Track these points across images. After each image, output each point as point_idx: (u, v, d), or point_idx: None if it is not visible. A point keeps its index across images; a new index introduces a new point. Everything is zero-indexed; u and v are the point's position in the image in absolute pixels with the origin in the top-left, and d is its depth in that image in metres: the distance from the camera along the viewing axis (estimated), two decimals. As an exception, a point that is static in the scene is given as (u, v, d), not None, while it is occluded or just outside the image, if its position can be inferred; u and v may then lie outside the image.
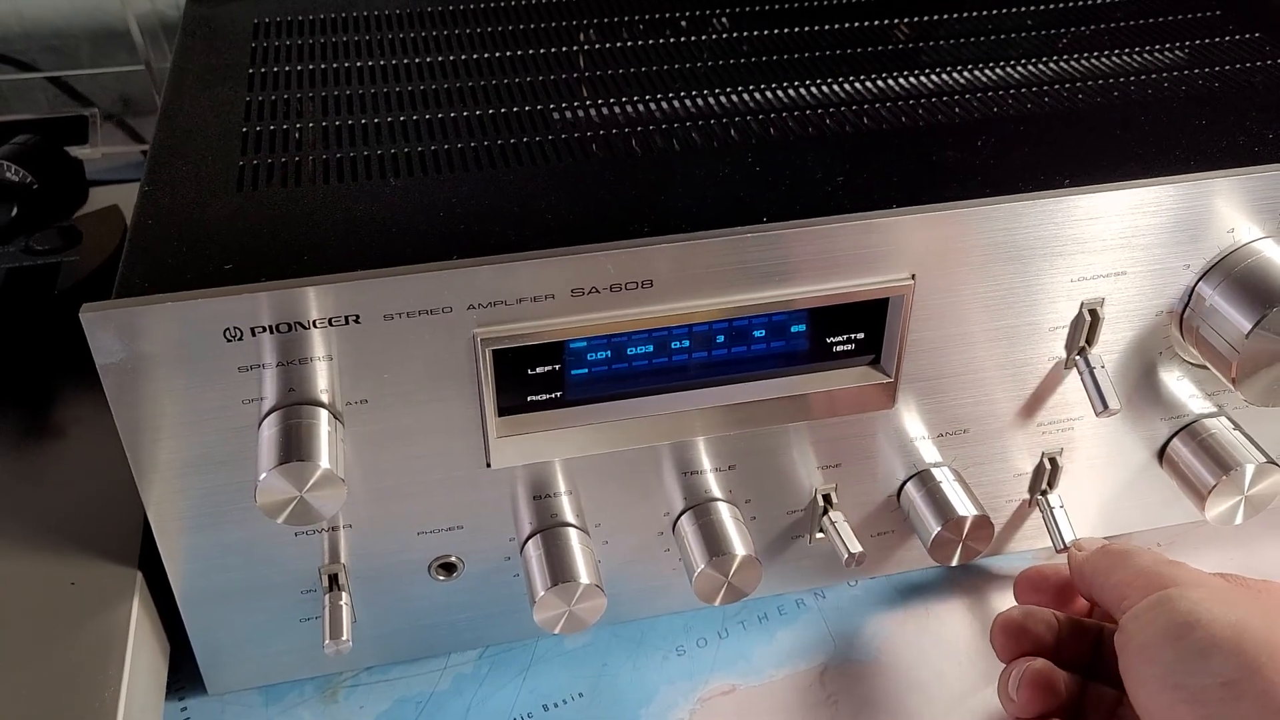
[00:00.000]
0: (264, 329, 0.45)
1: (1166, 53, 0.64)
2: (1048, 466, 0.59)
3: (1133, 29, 0.67)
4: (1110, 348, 0.55)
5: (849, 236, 0.48)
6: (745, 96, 0.60)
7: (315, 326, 0.45)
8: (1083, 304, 0.53)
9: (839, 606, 0.62)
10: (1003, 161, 0.53)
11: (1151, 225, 0.51)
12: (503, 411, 0.50)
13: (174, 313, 0.43)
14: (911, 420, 0.55)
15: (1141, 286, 0.53)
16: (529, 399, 0.50)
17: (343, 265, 0.45)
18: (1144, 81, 0.61)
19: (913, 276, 0.50)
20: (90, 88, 1.00)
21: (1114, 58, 0.64)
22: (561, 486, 0.53)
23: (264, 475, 0.44)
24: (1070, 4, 0.70)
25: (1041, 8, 0.70)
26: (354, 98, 0.60)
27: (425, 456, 0.50)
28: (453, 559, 0.54)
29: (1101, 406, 0.53)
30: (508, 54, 0.65)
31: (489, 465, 0.51)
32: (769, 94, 0.60)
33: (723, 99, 0.60)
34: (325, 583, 0.53)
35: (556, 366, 0.50)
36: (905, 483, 0.57)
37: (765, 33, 0.67)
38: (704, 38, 0.67)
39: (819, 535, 0.58)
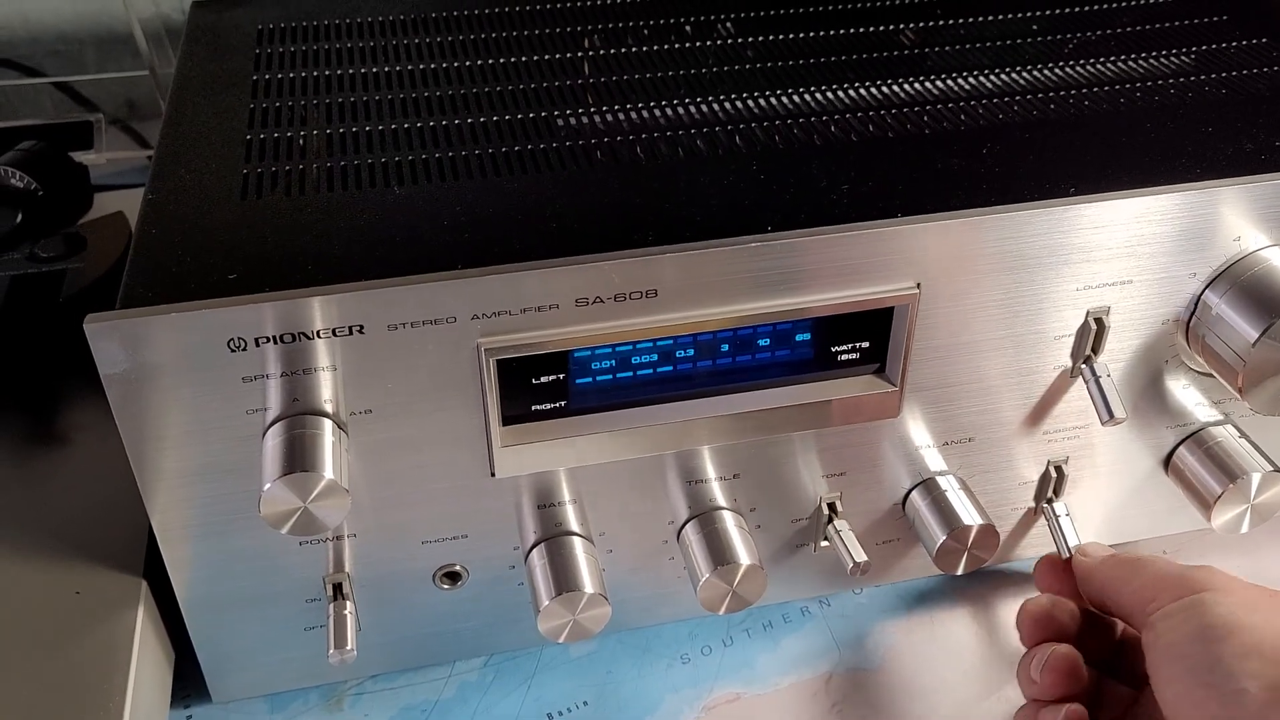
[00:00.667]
0: (268, 339, 0.45)
1: (1173, 59, 0.64)
2: (1053, 475, 0.59)
3: (1139, 35, 0.67)
4: (1116, 356, 0.55)
5: (854, 245, 0.48)
6: (750, 103, 0.60)
7: (319, 337, 0.45)
8: (1088, 312, 0.53)
9: (844, 614, 0.62)
10: (1008, 169, 0.53)
11: (1157, 234, 0.51)
12: (507, 421, 0.50)
13: (178, 323, 0.43)
14: (917, 429, 0.55)
15: (1147, 295, 0.53)
16: (533, 408, 0.50)
17: (347, 275, 0.45)
18: (1150, 88, 0.61)
19: (918, 285, 0.50)
20: (95, 92, 1.00)
21: (1120, 64, 0.63)
22: (566, 495, 0.53)
23: (268, 486, 0.44)
24: (1076, 10, 0.70)
25: (1047, 13, 0.70)
26: (358, 105, 0.60)
27: (429, 466, 0.50)
28: (457, 568, 0.54)
29: (1107, 415, 0.53)
30: (511, 60, 0.65)
31: (493, 474, 0.51)
32: (774, 100, 0.60)
33: (727, 105, 0.59)
34: (330, 592, 0.53)
35: (561, 376, 0.50)
36: (910, 491, 0.57)
37: (770, 39, 0.67)
38: (708, 44, 0.66)
39: (824, 544, 0.58)
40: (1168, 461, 0.60)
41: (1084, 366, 0.54)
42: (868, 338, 0.52)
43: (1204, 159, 0.54)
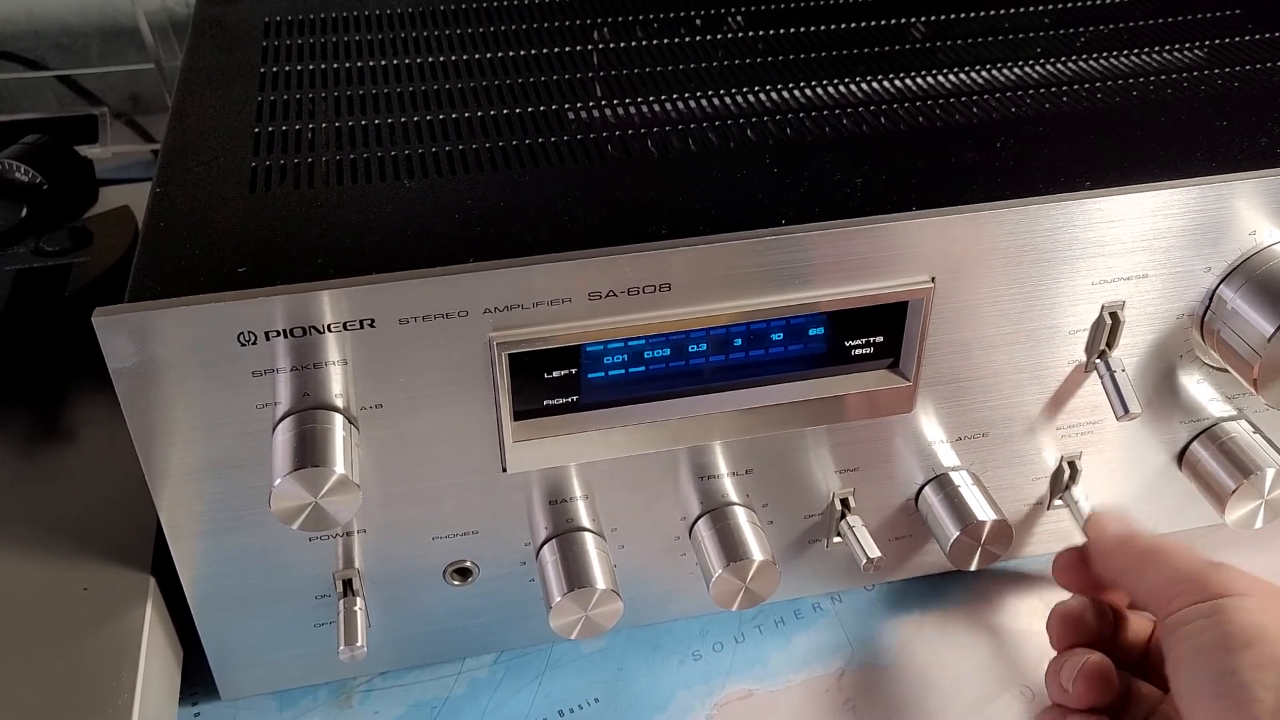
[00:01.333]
0: (278, 333, 0.44)
1: (1186, 52, 0.64)
2: (1067, 470, 0.58)
3: (1152, 28, 0.66)
4: (1130, 351, 0.54)
5: (868, 239, 0.48)
6: (761, 96, 0.59)
7: (330, 330, 0.45)
8: (1103, 307, 0.53)
9: (856, 611, 0.61)
10: (1022, 163, 0.53)
11: (1173, 228, 0.51)
12: (519, 416, 0.49)
13: (187, 317, 0.43)
14: (930, 424, 0.55)
15: (1162, 289, 0.53)
16: (545, 403, 0.50)
17: (357, 268, 0.45)
18: (1164, 82, 0.60)
19: (932, 279, 0.49)
20: (98, 86, 1.00)
21: (1133, 57, 0.63)
22: (577, 491, 0.53)
23: (279, 481, 0.44)
24: (1088, 3, 0.70)
25: (1059, 7, 0.69)
26: (366, 97, 0.59)
27: (440, 461, 0.50)
28: (468, 564, 0.54)
29: (1122, 410, 0.52)
30: (521, 53, 0.64)
31: (505, 470, 0.50)
32: (785, 94, 0.59)
33: (739, 99, 0.59)
34: (339, 588, 0.52)
35: (573, 370, 0.49)
36: (923, 487, 0.57)
37: (779, 32, 0.66)
38: (718, 37, 0.66)
39: (836, 539, 0.57)
40: (1181, 457, 0.60)
41: (1098, 361, 0.54)
42: (881, 332, 0.52)
43: (1218, 153, 0.53)
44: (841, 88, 0.60)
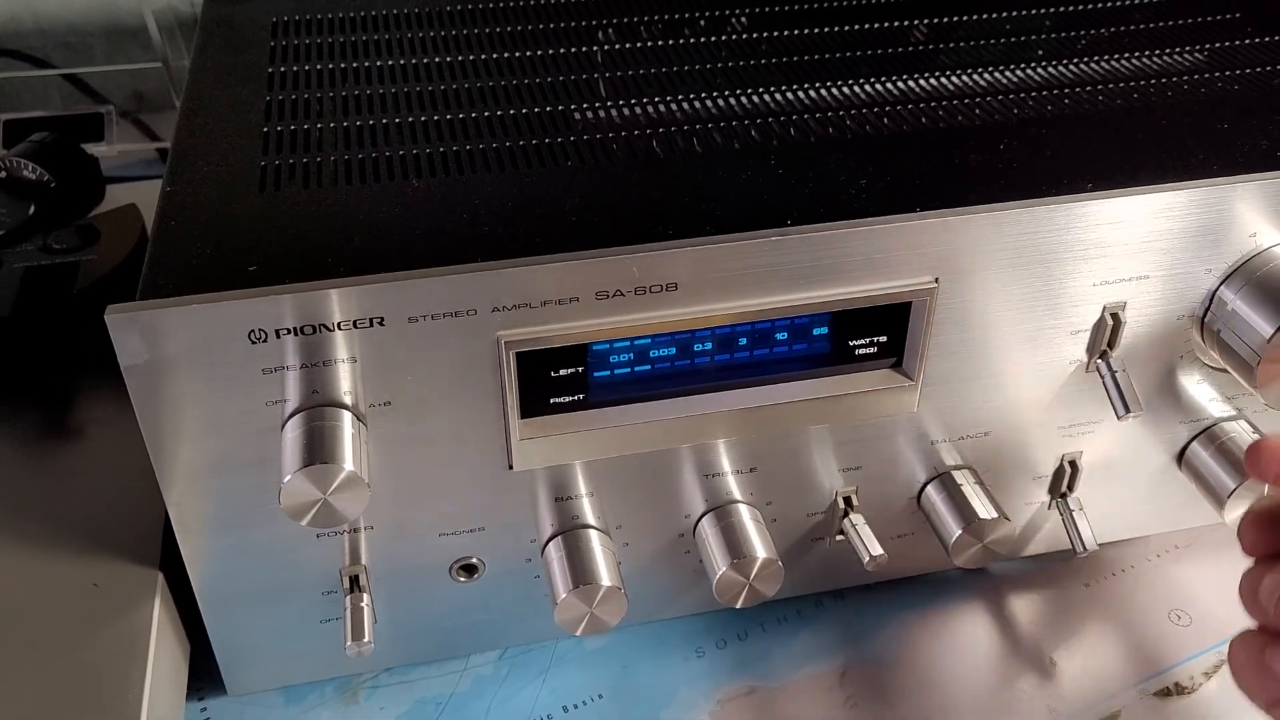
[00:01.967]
0: (288, 331, 0.45)
1: (1187, 55, 0.64)
2: (1067, 469, 0.59)
3: (1152, 31, 0.67)
4: (1131, 351, 0.55)
5: (872, 240, 0.48)
6: (765, 97, 0.60)
7: (339, 329, 0.45)
8: (1105, 308, 0.53)
9: (859, 608, 0.62)
10: (1025, 164, 0.53)
11: (1174, 229, 0.51)
12: (525, 414, 0.50)
13: (199, 315, 0.43)
14: (933, 423, 0.55)
15: (1163, 291, 0.53)
16: (552, 401, 0.50)
17: (366, 267, 0.45)
18: (1164, 84, 0.61)
19: (936, 280, 0.50)
20: (101, 84, 1.00)
21: (1134, 60, 0.63)
22: (583, 488, 0.53)
23: (288, 478, 0.44)
24: (1088, 7, 0.70)
25: (1060, 9, 0.70)
26: (374, 97, 0.60)
27: (448, 458, 0.50)
28: (474, 560, 0.54)
29: (1123, 410, 0.53)
30: (527, 54, 0.65)
31: (511, 467, 0.51)
32: (789, 95, 0.60)
33: (743, 100, 0.59)
34: (346, 584, 0.53)
35: (580, 369, 0.50)
36: (926, 485, 0.57)
37: (784, 33, 0.67)
38: (722, 38, 0.66)
39: (839, 537, 0.58)
40: (1181, 457, 0.60)
41: (1100, 361, 0.54)
42: (885, 332, 0.52)
43: (1219, 155, 0.54)
44: (845, 89, 0.60)
